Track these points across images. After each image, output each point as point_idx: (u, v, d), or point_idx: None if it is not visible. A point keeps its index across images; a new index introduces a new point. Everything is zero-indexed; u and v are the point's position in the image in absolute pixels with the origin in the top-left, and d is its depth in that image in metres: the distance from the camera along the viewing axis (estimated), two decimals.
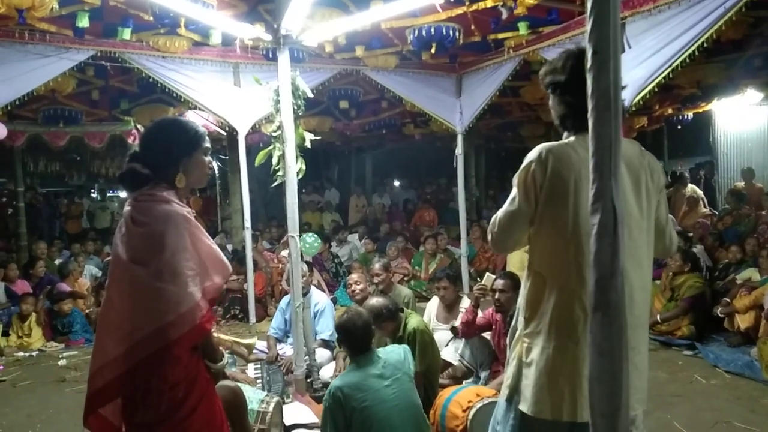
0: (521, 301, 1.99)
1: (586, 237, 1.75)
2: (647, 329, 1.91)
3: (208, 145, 2.15)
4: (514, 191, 1.91)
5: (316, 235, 4.87)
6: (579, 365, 1.79)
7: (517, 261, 8.48)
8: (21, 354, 5.90)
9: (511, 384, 1.98)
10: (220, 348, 2.16)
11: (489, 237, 2.03)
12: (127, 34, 5.64)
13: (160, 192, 1.99)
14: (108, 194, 13.87)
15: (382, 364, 2.87)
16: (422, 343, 3.54)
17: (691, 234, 7.07)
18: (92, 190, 15.03)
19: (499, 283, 3.87)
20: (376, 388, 2.76)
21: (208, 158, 2.15)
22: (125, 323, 1.90)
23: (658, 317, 5.40)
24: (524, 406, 1.90)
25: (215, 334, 2.12)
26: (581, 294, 1.78)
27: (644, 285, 1.87)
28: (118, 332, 1.90)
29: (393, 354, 3.01)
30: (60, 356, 5.81)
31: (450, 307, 4.65)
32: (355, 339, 2.95)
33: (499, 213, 1.95)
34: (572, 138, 1.90)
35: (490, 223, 2.00)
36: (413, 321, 3.68)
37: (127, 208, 2.02)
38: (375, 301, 3.67)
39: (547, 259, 1.89)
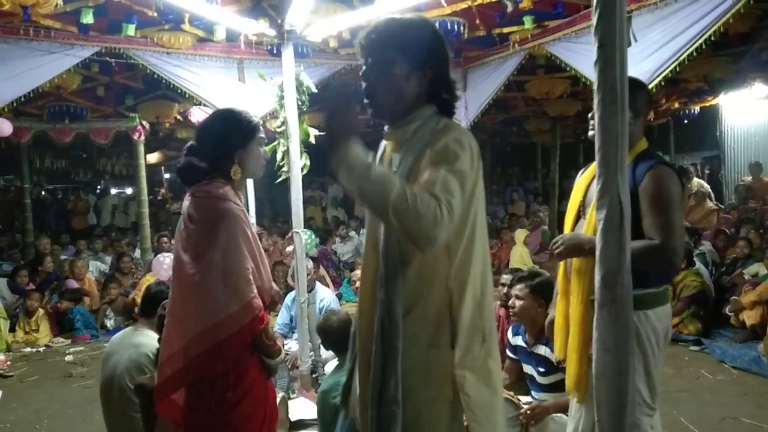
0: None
1: None
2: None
3: (262, 135, 2.15)
4: None
5: (310, 231, 4.86)
6: None
7: (517, 256, 8.52)
8: (28, 350, 5.94)
9: None
10: (277, 343, 2.13)
11: None
12: (131, 30, 5.62)
13: (216, 189, 2.00)
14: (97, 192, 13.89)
15: None
16: None
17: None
18: (98, 187, 15.10)
19: (506, 278, 3.84)
20: None
21: (263, 149, 2.16)
22: (183, 319, 1.97)
23: None
24: None
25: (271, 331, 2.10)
26: None
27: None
28: (180, 326, 1.97)
29: None
30: (66, 352, 5.84)
31: None
32: (334, 338, 3.01)
33: None
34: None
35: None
36: None
37: (185, 202, 2.06)
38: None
39: None
